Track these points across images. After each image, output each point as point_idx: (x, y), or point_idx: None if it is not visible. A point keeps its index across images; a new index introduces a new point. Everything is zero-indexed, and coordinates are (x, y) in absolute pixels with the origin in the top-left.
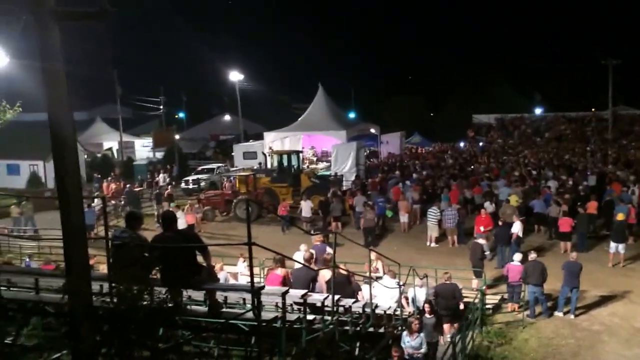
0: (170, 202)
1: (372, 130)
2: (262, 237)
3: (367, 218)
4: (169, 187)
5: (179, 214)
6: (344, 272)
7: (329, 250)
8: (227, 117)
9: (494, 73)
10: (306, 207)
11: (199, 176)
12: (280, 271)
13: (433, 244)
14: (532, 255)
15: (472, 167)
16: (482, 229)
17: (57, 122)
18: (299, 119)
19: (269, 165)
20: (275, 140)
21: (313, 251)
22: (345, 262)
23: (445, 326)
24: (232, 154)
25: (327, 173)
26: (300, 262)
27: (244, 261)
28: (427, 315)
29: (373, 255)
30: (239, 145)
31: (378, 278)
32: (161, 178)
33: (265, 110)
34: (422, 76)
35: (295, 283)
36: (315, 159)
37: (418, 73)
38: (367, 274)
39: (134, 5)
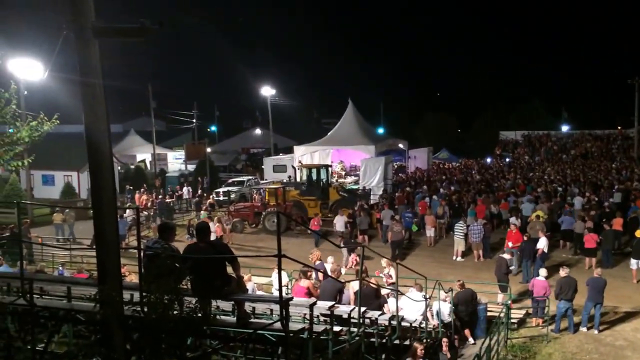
0: (210, 211)
1: (401, 146)
2: (291, 250)
3: (395, 231)
4: (211, 196)
5: (211, 224)
6: (374, 285)
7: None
8: (258, 131)
9: (524, 90)
10: (340, 222)
11: (229, 188)
12: (304, 282)
13: (459, 258)
14: (565, 270)
15: (499, 182)
16: (510, 244)
17: (94, 137)
18: (329, 133)
19: (298, 179)
20: (304, 154)
21: (358, 259)
22: (372, 275)
23: (467, 332)
24: (262, 167)
25: (355, 187)
26: (327, 274)
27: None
28: (443, 352)
29: (384, 261)
30: (269, 159)
31: (392, 284)
32: (185, 191)
33: (295, 125)
34: (452, 93)
35: (323, 295)
36: (343, 173)
37: (448, 90)
38: (385, 281)
39: (170, 20)
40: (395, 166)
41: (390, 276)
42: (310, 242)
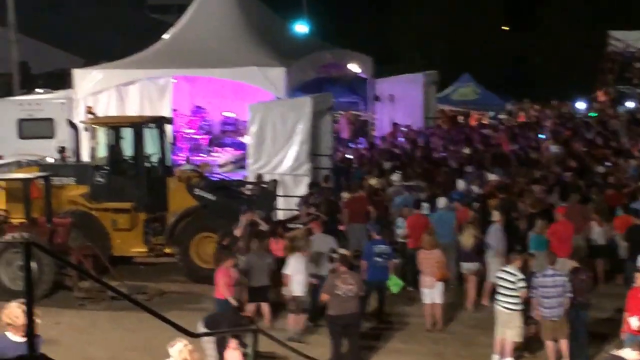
0: None
1: (354, 69)
2: (76, 346)
3: (340, 295)
4: None
5: None
6: None
7: None
8: None
9: None
10: (298, 269)
11: None
12: None
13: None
14: None
15: (610, 164)
16: (635, 322)
17: None
18: (166, 34)
19: (85, 156)
20: (103, 91)
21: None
22: None
23: None
24: None
25: (238, 176)
26: None
27: None
28: None
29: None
30: (9, 103)
31: None
32: None
33: (78, 15)
34: None
35: None
36: (204, 138)
37: None
38: None
39: None
40: (343, 122)
41: None
42: (131, 320)
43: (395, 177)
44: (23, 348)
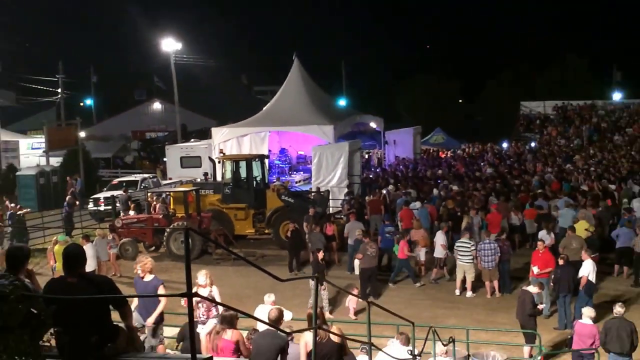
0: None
1: (373, 125)
2: (223, 281)
3: (367, 255)
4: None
5: (88, 248)
6: (336, 338)
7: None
8: (158, 106)
9: (557, 44)
10: (442, 239)
11: (115, 193)
12: (230, 334)
13: (468, 293)
14: (617, 310)
15: (521, 179)
16: (536, 270)
17: None
18: (265, 108)
19: (219, 177)
20: (228, 140)
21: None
22: (334, 320)
23: None
24: (165, 159)
25: (306, 188)
26: (264, 322)
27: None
28: None
29: (202, 277)
30: (175, 147)
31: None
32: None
33: (215, 96)
34: (451, 46)
35: (257, 355)
36: (287, 167)
37: (445, 44)
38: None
39: None
40: (366, 156)
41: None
42: (245, 271)
43: (391, 187)
44: (146, 285)
